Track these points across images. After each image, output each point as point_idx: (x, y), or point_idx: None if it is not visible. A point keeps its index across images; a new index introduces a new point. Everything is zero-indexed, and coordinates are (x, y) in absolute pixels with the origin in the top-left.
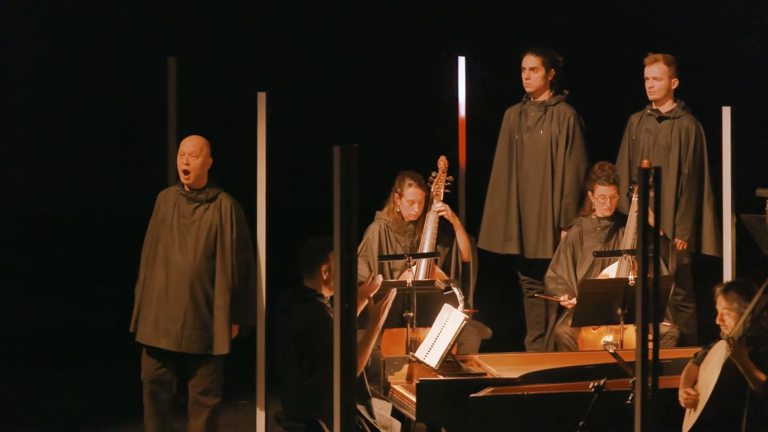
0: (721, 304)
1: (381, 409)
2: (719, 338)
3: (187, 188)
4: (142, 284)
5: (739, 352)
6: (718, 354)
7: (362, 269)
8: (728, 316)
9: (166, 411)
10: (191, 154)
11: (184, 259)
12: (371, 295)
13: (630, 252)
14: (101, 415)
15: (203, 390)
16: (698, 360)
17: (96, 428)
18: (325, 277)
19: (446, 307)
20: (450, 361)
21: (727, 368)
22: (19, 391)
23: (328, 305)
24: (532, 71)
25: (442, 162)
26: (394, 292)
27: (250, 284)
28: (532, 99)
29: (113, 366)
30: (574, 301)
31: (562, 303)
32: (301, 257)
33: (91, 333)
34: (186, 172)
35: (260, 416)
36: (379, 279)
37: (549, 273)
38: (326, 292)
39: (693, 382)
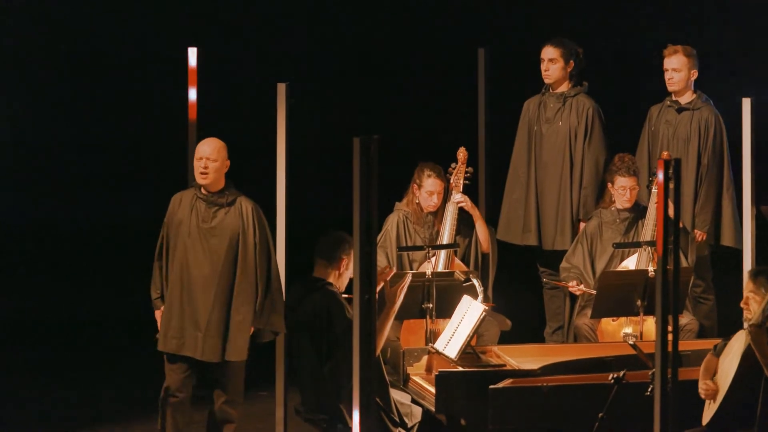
0: (749, 287)
1: (401, 398)
2: (739, 329)
3: (204, 191)
4: (160, 291)
5: (759, 338)
6: (737, 344)
7: (380, 259)
8: (753, 301)
9: (182, 425)
10: (209, 158)
11: (208, 265)
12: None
13: (650, 243)
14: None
15: (227, 400)
16: (718, 352)
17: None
18: (342, 269)
19: (465, 299)
20: (469, 353)
21: (746, 358)
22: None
23: (339, 293)
24: (551, 62)
25: (462, 153)
26: (409, 276)
27: (272, 290)
28: (551, 90)
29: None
30: (582, 287)
31: (570, 289)
32: (323, 245)
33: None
34: (204, 176)
35: (279, 407)
36: (392, 272)
37: (563, 264)
38: (336, 283)
39: (712, 374)
